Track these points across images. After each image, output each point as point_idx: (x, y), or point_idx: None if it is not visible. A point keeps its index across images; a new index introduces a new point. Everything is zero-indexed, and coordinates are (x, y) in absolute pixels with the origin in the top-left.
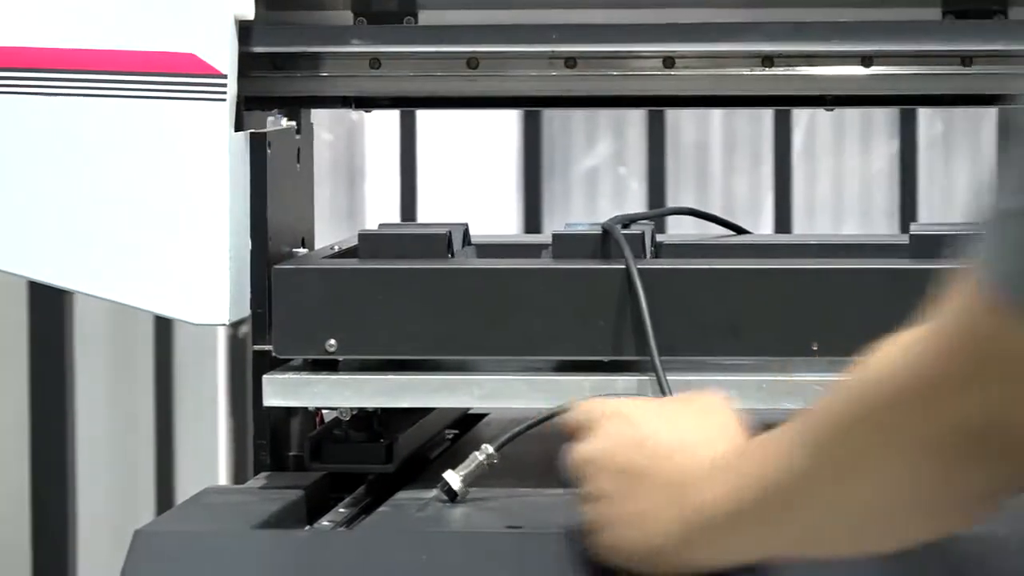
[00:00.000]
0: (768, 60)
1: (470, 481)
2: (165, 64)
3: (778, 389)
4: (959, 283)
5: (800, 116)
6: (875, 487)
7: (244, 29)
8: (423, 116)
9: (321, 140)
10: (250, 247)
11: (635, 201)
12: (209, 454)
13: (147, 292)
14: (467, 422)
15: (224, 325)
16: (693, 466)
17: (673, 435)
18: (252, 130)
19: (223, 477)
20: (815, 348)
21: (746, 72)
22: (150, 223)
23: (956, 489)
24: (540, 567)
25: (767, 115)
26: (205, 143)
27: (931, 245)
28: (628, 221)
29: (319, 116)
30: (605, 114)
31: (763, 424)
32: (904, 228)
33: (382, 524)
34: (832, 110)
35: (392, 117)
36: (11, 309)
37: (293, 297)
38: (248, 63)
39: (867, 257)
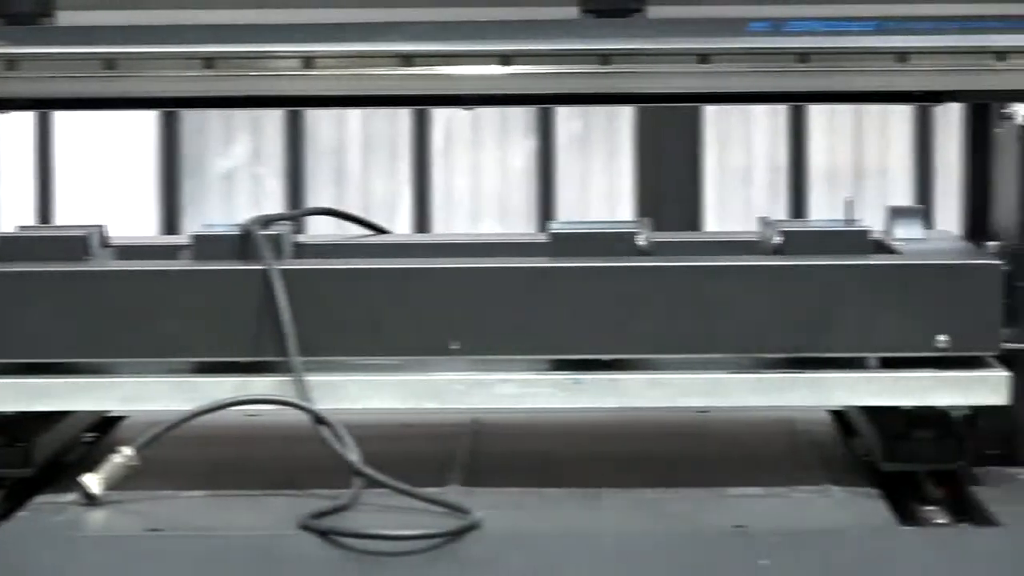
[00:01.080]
0: (407, 60)
1: (109, 484)
2: None
3: (419, 389)
4: None
5: (438, 115)
6: None
7: None
8: (60, 117)
9: None
10: None
11: (274, 201)
12: None
13: None
14: (106, 425)
15: None
16: None
17: None
18: None
19: None
20: (455, 347)
21: (385, 72)
22: None
23: None
24: (179, 569)
25: (405, 114)
26: None
27: (570, 243)
28: (267, 222)
29: None
30: (242, 114)
31: None
32: (542, 226)
33: (20, 528)
34: (471, 109)
35: (27, 118)
36: None
37: None
38: None
39: (508, 256)
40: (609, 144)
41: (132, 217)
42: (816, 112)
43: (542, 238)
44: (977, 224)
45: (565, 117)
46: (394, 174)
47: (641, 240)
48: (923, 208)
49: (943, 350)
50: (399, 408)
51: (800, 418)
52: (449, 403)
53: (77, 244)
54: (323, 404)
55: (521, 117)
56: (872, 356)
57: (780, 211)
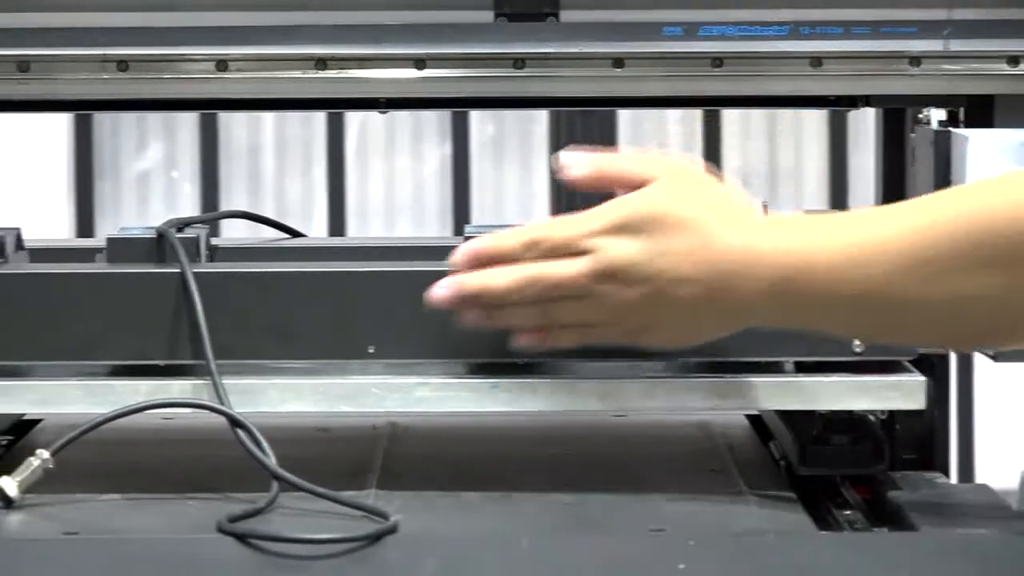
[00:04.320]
0: (321, 63)
1: (26, 487)
2: None
3: (335, 392)
4: None
5: (352, 118)
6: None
7: None
8: None
9: None
10: None
11: (188, 204)
12: None
13: None
14: (22, 428)
15: None
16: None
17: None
18: None
19: None
20: (371, 351)
21: (299, 75)
22: None
23: None
24: (96, 572)
25: (320, 117)
26: None
27: None
28: (182, 225)
29: None
30: (156, 117)
31: None
32: (457, 230)
33: None
34: (386, 112)
35: None
36: None
37: None
38: None
39: (421, 260)
40: (524, 148)
41: (46, 220)
42: (730, 116)
43: (457, 242)
44: None
45: (479, 121)
46: (309, 178)
47: None
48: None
49: (859, 355)
50: (316, 411)
51: (717, 422)
52: (365, 406)
53: None
54: (240, 407)
55: (435, 121)
56: (788, 361)
57: None
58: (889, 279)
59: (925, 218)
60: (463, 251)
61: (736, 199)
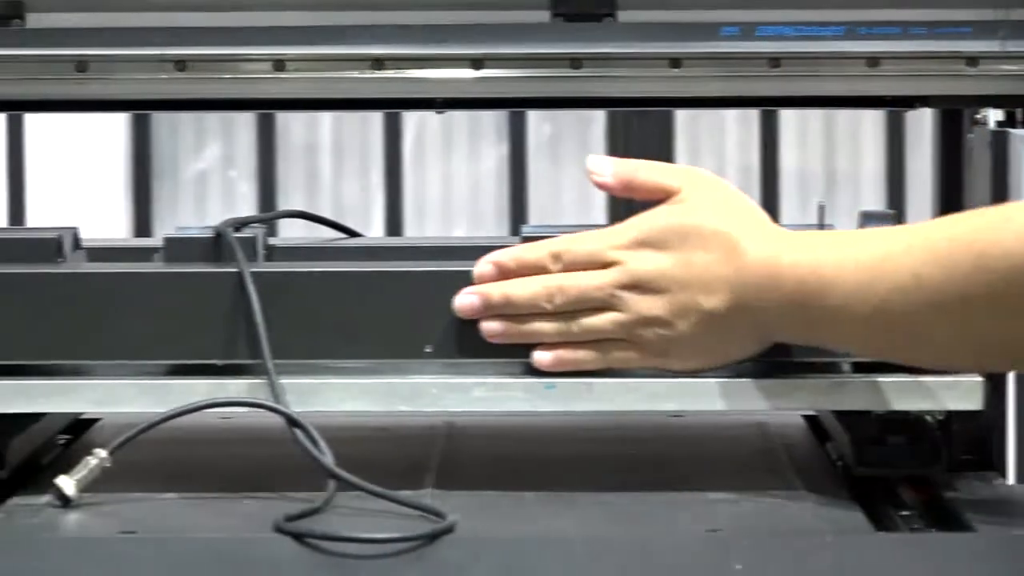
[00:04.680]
0: (378, 63)
1: (84, 486)
2: None
3: (393, 391)
4: None
5: (410, 118)
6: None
7: None
8: (30, 120)
9: None
10: None
11: (246, 204)
12: None
13: None
14: (79, 427)
15: None
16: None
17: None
18: None
19: None
20: (429, 350)
21: (356, 75)
22: None
23: None
24: (154, 571)
25: (377, 117)
26: None
27: None
28: (240, 224)
29: None
30: (214, 117)
31: None
32: (514, 230)
33: None
34: (442, 112)
35: None
36: None
37: None
38: None
39: (478, 260)
40: (581, 148)
41: (104, 219)
42: (787, 117)
43: (515, 242)
44: None
45: (536, 121)
46: (366, 177)
47: None
48: (895, 213)
49: None
50: (373, 411)
51: (774, 422)
52: (423, 406)
53: (50, 246)
54: (297, 407)
55: (492, 121)
56: (845, 361)
57: None
58: (897, 303)
59: (937, 244)
60: (486, 261)
61: (756, 212)
